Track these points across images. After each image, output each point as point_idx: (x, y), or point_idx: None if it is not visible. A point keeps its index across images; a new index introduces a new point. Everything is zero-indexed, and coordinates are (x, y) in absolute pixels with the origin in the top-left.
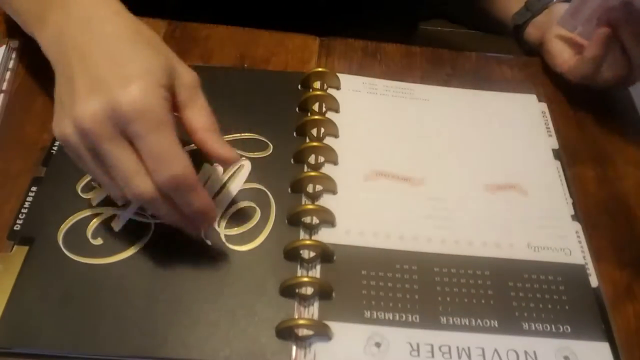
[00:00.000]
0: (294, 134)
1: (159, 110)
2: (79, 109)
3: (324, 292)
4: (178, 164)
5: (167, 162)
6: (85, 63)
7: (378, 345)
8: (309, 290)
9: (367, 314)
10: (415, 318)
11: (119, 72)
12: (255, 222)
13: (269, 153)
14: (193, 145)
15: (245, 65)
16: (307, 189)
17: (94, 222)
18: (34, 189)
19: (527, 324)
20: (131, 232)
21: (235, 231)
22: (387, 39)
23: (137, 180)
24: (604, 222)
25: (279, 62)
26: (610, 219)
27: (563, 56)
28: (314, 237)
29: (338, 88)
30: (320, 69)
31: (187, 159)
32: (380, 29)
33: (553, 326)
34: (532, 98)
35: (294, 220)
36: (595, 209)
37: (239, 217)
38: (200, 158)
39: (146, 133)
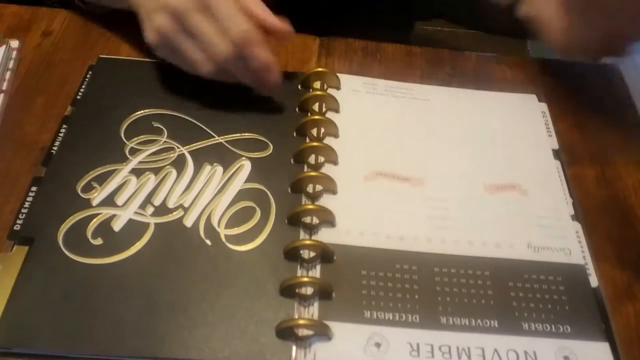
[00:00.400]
0: (294, 134)
1: None
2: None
3: (324, 292)
4: (246, 22)
5: (237, 21)
6: None
7: (378, 345)
8: (309, 290)
9: (367, 314)
10: (415, 318)
11: None
12: (255, 222)
13: (269, 153)
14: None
15: None
16: (307, 189)
17: (94, 222)
18: (34, 189)
19: (527, 324)
20: (131, 232)
21: (235, 231)
22: (384, 38)
23: (218, 39)
24: (604, 222)
25: (279, 62)
26: (610, 219)
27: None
28: (314, 237)
29: (338, 88)
30: (320, 69)
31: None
32: (376, 27)
33: (553, 326)
34: (532, 98)
35: (294, 220)
36: (595, 209)
37: (239, 217)
38: (201, 158)
39: (219, 2)
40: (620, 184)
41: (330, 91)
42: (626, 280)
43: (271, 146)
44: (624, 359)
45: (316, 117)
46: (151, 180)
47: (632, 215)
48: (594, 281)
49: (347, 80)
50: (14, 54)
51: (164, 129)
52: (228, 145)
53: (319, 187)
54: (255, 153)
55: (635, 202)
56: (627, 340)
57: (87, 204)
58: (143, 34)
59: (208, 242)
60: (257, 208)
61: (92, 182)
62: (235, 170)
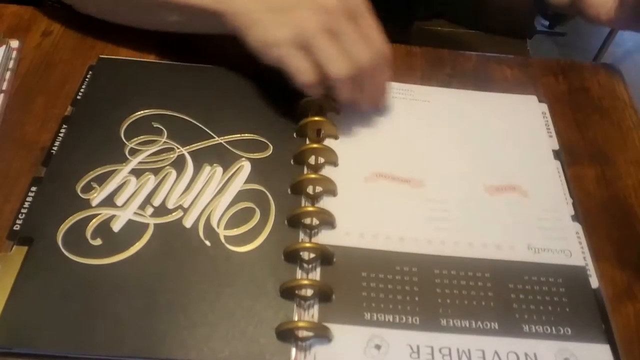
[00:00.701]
0: (294, 135)
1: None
2: (323, 1)
3: (323, 294)
4: (386, 40)
5: (381, 37)
6: None
7: (378, 347)
8: (309, 292)
9: (367, 315)
10: (416, 320)
11: None
12: (254, 223)
13: (269, 154)
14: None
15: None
16: (307, 191)
17: (93, 223)
18: (33, 189)
19: (527, 326)
20: (130, 233)
21: (234, 232)
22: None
23: (363, 46)
24: (604, 222)
25: None
26: (610, 219)
27: (605, 5)
28: (313, 239)
29: None
30: None
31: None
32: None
33: (553, 328)
34: (533, 99)
35: (294, 221)
36: (595, 209)
37: (238, 218)
38: (200, 158)
39: (367, 15)
40: (620, 184)
41: None
42: (626, 280)
43: (271, 147)
44: None
45: (316, 118)
46: (151, 180)
47: (632, 215)
48: (594, 282)
49: None
50: (14, 54)
51: (163, 129)
52: (228, 146)
53: (319, 189)
54: (255, 154)
55: (635, 202)
56: (627, 341)
57: (86, 204)
58: (265, 32)
59: (207, 242)
60: (257, 209)
61: (92, 183)
62: (235, 171)
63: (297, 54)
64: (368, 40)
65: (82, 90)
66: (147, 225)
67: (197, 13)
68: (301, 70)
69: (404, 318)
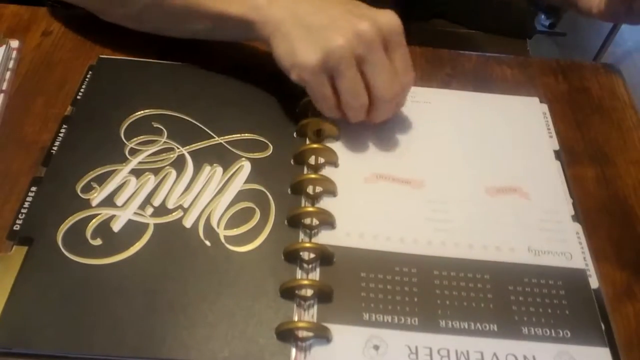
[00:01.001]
0: (294, 135)
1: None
2: (359, 26)
3: (323, 295)
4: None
5: (410, 69)
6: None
7: (377, 347)
8: (309, 292)
9: (366, 316)
10: (414, 321)
11: (365, 8)
12: (254, 223)
13: (269, 154)
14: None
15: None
16: (307, 191)
17: (93, 223)
18: (33, 189)
19: (526, 328)
20: (130, 233)
21: (234, 232)
22: None
23: (387, 79)
24: (604, 221)
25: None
26: (610, 219)
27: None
28: (313, 239)
29: None
30: None
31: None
32: None
33: (553, 331)
34: (534, 100)
35: (294, 221)
36: (595, 208)
37: (238, 218)
38: (200, 158)
39: (402, 44)
40: (620, 183)
41: None
42: (626, 281)
43: (271, 147)
44: None
45: (316, 118)
46: (151, 180)
47: (632, 215)
48: (594, 282)
49: None
50: (14, 54)
51: (163, 129)
52: (228, 146)
53: (319, 189)
54: (255, 154)
55: (635, 202)
56: (627, 342)
57: (86, 204)
58: (293, 51)
59: (207, 242)
60: (257, 209)
61: (92, 183)
62: (235, 171)
63: (322, 81)
64: (395, 73)
65: (82, 90)
66: (147, 225)
67: (229, 21)
68: (324, 99)
69: (402, 319)
